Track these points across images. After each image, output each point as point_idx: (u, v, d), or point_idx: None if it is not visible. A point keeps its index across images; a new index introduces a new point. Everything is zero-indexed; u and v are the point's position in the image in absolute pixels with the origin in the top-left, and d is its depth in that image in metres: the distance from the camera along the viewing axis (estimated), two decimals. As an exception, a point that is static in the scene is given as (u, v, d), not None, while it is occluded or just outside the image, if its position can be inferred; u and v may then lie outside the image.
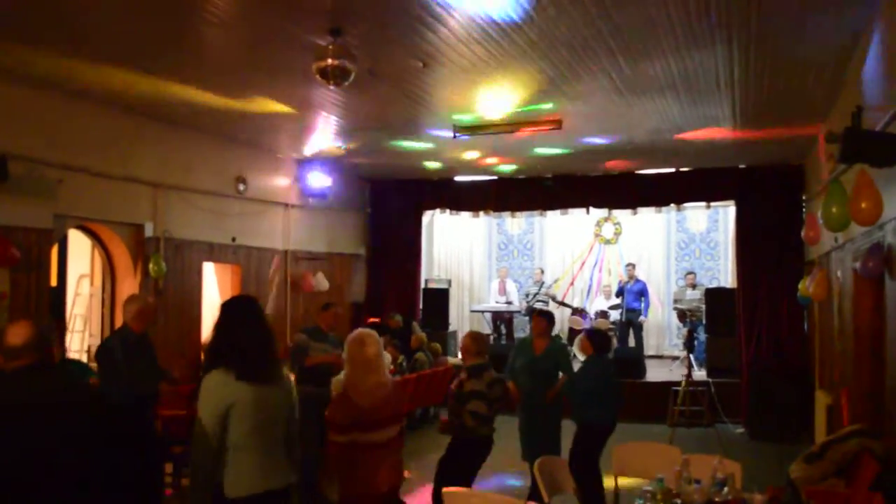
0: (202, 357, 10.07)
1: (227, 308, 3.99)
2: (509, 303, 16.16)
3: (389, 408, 4.87)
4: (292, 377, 7.76)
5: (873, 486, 4.77)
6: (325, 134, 10.39)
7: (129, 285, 9.17)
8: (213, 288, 11.10)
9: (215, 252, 10.60)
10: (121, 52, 7.00)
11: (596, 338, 7.64)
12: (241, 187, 11.02)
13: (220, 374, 3.73)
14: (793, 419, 11.08)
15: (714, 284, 15.75)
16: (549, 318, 8.13)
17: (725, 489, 4.22)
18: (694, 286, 14.98)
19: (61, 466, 3.12)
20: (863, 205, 5.01)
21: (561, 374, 7.77)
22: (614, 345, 13.70)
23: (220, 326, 3.92)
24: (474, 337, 6.45)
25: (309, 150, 11.51)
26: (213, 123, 9.72)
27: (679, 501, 4.38)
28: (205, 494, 3.69)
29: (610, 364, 7.83)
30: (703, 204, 13.96)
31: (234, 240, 10.91)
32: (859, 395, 6.89)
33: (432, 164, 12.69)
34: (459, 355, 14.33)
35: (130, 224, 9.23)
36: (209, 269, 10.90)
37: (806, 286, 9.33)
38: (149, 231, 9.36)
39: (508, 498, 4.63)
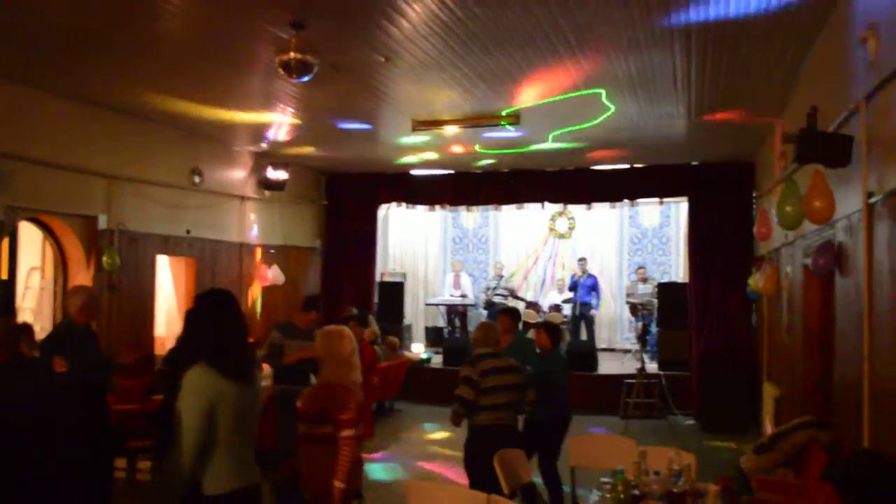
0: (154, 350, 10.04)
1: (208, 302, 3.93)
2: (464, 296, 16.23)
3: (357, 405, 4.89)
4: (268, 374, 7.73)
5: (822, 475, 4.91)
6: (283, 127, 10.32)
7: (82, 278, 9.04)
8: (168, 281, 10.97)
9: (170, 245, 10.48)
10: (74, 43, 6.89)
11: (553, 331, 7.68)
12: (197, 179, 10.90)
13: (204, 370, 3.68)
14: (741, 411, 11.32)
15: (666, 279, 15.99)
16: (513, 315, 8.14)
17: (682, 480, 4.32)
18: (645, 280, 15.21)
19: (40, 462, 3.08)
20: (816, 203, 5.15)
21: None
22: (566, 338, 13.87)
23: (199, 321, 3.88)
24: (481, 328, 6.56)
25: (266, 142, 11.42)
26: (169, 115, 9.59)
27: (638, 492, 4.45)
28: (186, 491, 3.67)
29: (563, 357, 7.88)
30: (656, 200, 14.17)
31: (188, 232, 10.79)
32: (808, 389, 7.07)
33: (403, 160, 12.70)
34: (414, 347, 14.50)
35: (83, 216, 9.09)
36: (163, 262, 10.77)
37: (756, 281, 9.52)
38: (102, 223, 9.22)
39: (473, 491, 4.67)
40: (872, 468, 4.37)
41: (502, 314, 8.08)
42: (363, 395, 5.30)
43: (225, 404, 3.66)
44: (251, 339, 4.44)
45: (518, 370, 6.38)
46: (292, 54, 6.19)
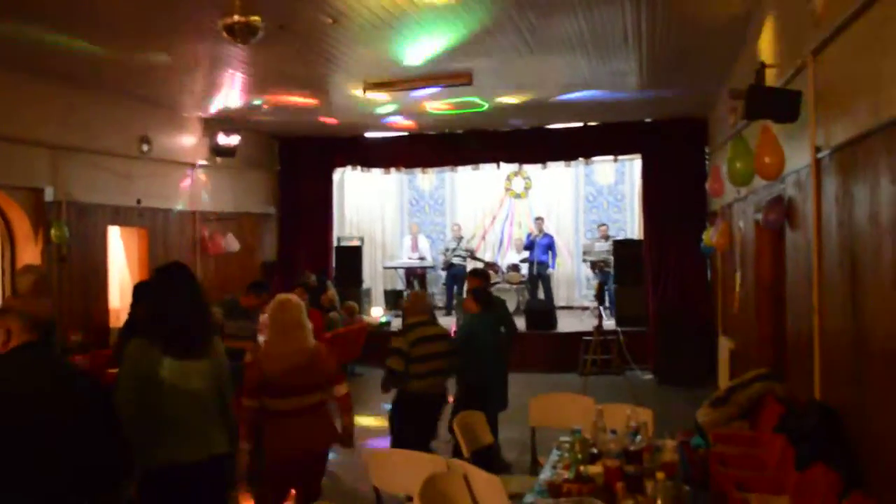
0: (110, 323, 9.89)
1: (157, 277, 3.88)
2: (422, 258, 16.21)
3: (306, 375, 4.88)
4: None
5: (776, 427, 5.01)
6: (232, 91, 10.12)
7: (30, 253, 8.82)
8: (120, 252, 10.78)
9: (121, 215, 10.27)
10: (10, 8, 6.63)
11: (482, 295, 7.53)
12: (146, 147, 10.66)
13: (143, 344, 3.63)
14: (698, 364, 11.50)
15: (622, 236, 16.11)
16: (482, 276, 8.14)
17: (639, 437, 4.37)
18: (607, 238, 15.29)
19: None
20: (766, 159, 5.19)
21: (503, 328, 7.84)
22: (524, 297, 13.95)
23: (147, 295, 3.83)
24: (411, 297, 6.78)
25: (215, 108, 11.20)
26: (114, 81, 9.34)
27: (596, 450, 4.50)
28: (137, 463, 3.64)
29: (495, 321, 7.64)
30: (611, 158, 14.22)
31: (139, 202, 10.58)
32: (762, 341, 7.19)
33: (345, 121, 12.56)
34: (373, 311, 14.49)
35: (29, 188, 8.83)
36: (115, 234, 10.57)
37: (710, 236, 9.63)
38: (49, 195, 8.98)
39: (428, 455, 4.69)
40: (822, 418, 4.47)
41: (471, 276, 8.13)
42: (306, 358, 5.30)
43: (166, 380, 3.61)
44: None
45: (447, 337, 6.52)
46: (236, 17, 6.03)
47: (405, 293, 16.06)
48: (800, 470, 4.25)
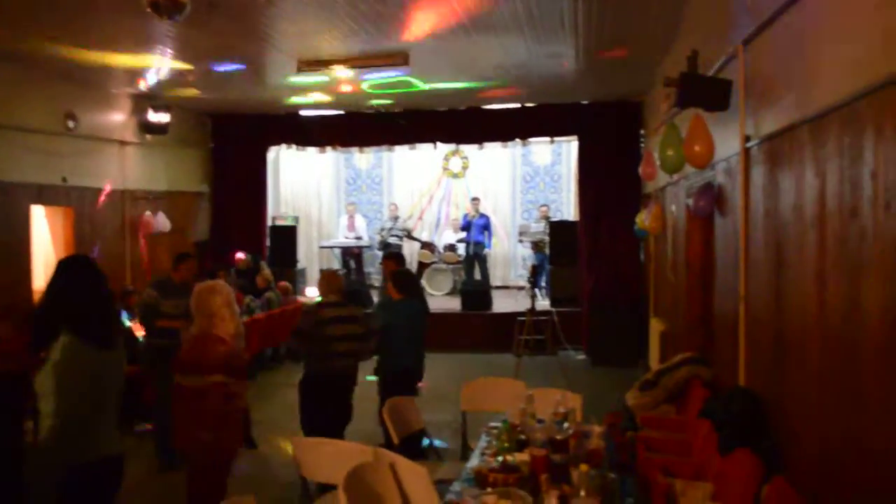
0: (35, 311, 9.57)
1: (65, 270, 3.74)
2: (359, 238, 16.08)
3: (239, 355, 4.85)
4: (140, 332, 7.42)
5: (701, 412, 5.08)
6: (162, 68, 9.83)
7: (-53, 233, 8.49)
8: (45, 233, 10.42)
9: (45, 194, 9.90)
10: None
11: (400, 280, 7.27)
12: (72, 124, 10.30)
13: (68, 338, 3.50)
14: (630, 345, 11.67)
15: (558, 217, 16.22)
16: (396, 259, 8.03)
17: (566, 424, 4.38)
18: (547, 218, 15.31)
19: None
20: (696, 148, 5.23)
21: None
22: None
23: (58, 289, 3.68)
24: (322, 277, 6.70)
25: (145, 84, 10.87)
26: (37, 57, 8.98)
27: (524, 437, 4.50)
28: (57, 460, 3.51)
29: (418, 307, 7.35)
30: (547, 139, 14.25)
31: (65, 180, 10.23)
32: (690, 325, 7.28)
33: (291, 100, 12.34)
34: (308, 291, 14.33)
35: (-54, 166, 8.49)
36: (39, 213, 10.21)
37: (643, 219, 9.73)
38: (-32, 174, 8.64)
39: (359, 444, 4.64)
40: (745, 404, 4.54)
41: (385, 259, 8.05)
42: (242, 344, 5.23)
43: (88, 373, 3.51)
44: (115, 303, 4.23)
45: (359, 320, 6.46)
46: (162, -8, 5.85)
47: (340, 272, 15.93)
48: (723, 455, 4.32)
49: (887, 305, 2.81)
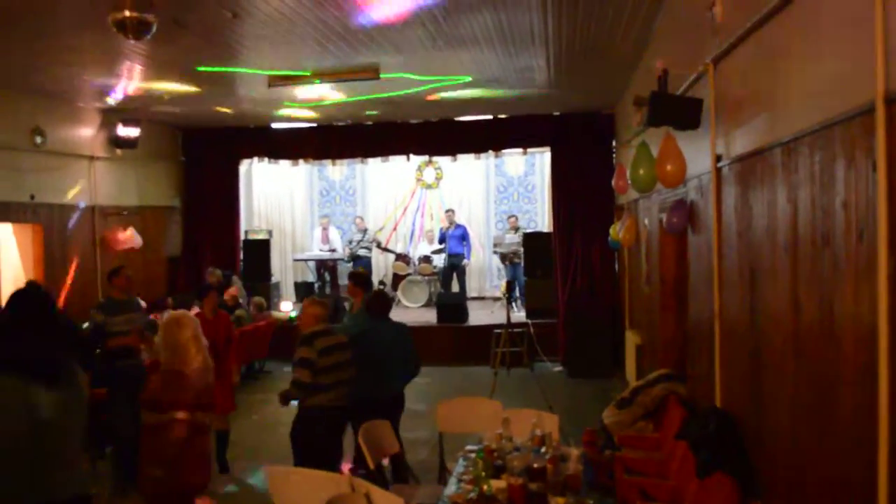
0: None
1: (9, 305, 3.62)
2: (333, 250, 15.99)
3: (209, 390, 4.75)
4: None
5: (678, 434, 5.06)
6: (130, 82, 9.71)
7: (-90, 254, 8.32)
8: (13, 251, 10.25)
9: (12, 212, 9.77)
10: None
11: (376, 302, 6.92)
12: (39, 140, 10.17)
13: (8, 377, 3.36)
14: (606, 357, 11.67)
15: (532, 227, 16.22)
16: (356, 279, 7.59)
17: (543, 449, 4.34)
18: (517, 229, 15.29)
19: None
20: (668, 167, 5.22)
21: None
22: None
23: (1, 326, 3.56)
24: (305, 307, 6.25)
25: (114, 99, 10.74)
26: (1, 72, 8.84)
27: (501, 462, 4.46)
28: None
29: (394, 328, 6.98)
30: (520, 150, 14.23)
31: (32, 197, 10.08)
32: (665, 339, 7.28)
33: (255, 113, 12.24)
34: (283, 306, 14.20)
35: None
36: (6, 231, 10.05)
37: (616, 231, 9.73)
38: (-72, 192, 8.49)
39: (328, 473, 4.57)
40: (721, 426, 4.53)
41: (349, 279, 7.77)
42: (211, 377, 5.14)
43: (35, 413, 3.36)
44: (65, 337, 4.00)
45: (347, 346, 6.18)
46: (127, 13, 5.76)
47: (315, 285, 15.84)
48: (700, 477, 4.29)
49: (861, 332, 2.79)
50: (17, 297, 3.67)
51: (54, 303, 3.75)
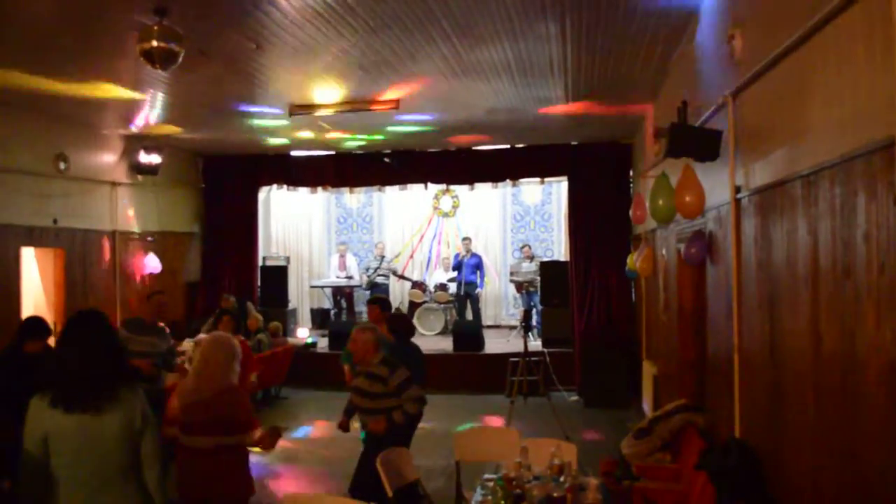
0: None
1: (65, 327, 3.69)
2: (349, 277, 16.05)
3: (209, 414, 4.78)
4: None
5: (697, 464, 5.04)
6: (154, 110, 9.87)
7: (-64, 277, 8.42)
8: (35, 275, 10.37)
9: (35, 236, 9.88)
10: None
11: (398, 323, 7.07)
12: (63, 165, 10.31)
13: (37, 397, 3.44)
14: (622, 387, 11.62)
15: (548, 256, 16.23)
16: (381, 304, 7.84)
17: (562, 479, 4.34)
18: (531, 258, 15.31)
19: None
20: (687, 198, 5.25)
21: None
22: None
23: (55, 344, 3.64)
24: (363, 329, 6.13)
25: (137, 126, 10.90)
26: (29, 99, 9.00)
27: (520, 491, 4.46)
28: None
29: (415, 349, 7.13)
30: (537, 180, 14.29)
31: (55, 222, 10.21)
32: (683, 370, 7.26)
33: (274, 141, 12.37)
34: (299, 332, 14.20)
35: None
36: (29, 255, 10.17)
37: (633, 261, 9.73)
38: (-45, 216, 8.61)
39: (347, 500, 4.57)
40: (741, 458, 4.51)
41: (370, 304, 7.91)
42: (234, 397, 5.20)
43: (57, 436, 3.40)
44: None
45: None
46: (155, 42, 5.86)
47: (331, 311, 15.89)
48: (720, 510, 4.28)
49: (883, 364, 2.80)
50: (73, 319, 3.73)
51: (109, 328, 3.77)
